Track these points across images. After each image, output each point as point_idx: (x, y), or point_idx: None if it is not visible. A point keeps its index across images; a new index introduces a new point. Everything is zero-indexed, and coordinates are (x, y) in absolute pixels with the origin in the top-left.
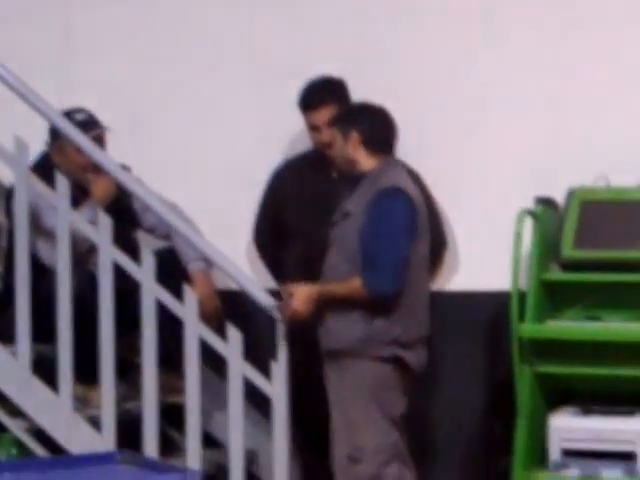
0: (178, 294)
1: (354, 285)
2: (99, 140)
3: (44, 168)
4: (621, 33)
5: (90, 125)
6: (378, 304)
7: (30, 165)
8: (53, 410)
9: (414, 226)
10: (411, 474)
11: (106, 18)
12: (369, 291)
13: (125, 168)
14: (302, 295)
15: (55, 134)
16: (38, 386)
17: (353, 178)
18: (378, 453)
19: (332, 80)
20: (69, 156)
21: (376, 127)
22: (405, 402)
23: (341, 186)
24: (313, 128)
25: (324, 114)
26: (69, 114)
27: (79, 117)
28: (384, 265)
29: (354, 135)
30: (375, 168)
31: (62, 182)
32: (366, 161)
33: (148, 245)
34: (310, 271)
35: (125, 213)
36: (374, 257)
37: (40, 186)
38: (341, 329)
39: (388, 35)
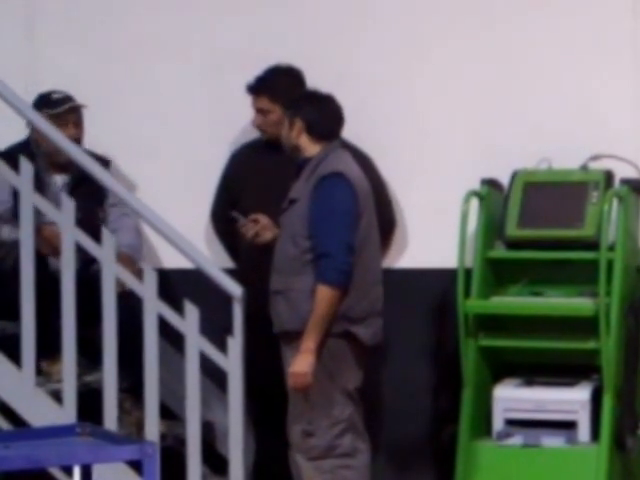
0: None
1: (319, 294)
2: (76, 113)
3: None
4: (567, 20)
5: (66, 100)
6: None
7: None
8: (16, 384)
9: (355, 209)
10: (364, 445)
11: (68, 3)
12: (329, 283)
13: (104, 162)
14: (298, 360)
15: (37, 106)
16: (1, 361)
17: (299, 164)
18: (332, 427)
19: (276, 71)
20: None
21: (320, 115)
22: (360, 376)
23: (294, 171)
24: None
25: (256, 102)
26: (48, 95)
27: (55, 96)
28: (327, 253)
29: (298, 122)
30: (317, 154)
31: (26, 166)
32: (310, 148)
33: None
34: (263, 254)
35: (99, 194)
36: (317, 249)
37: (4, 169)
38: (290, 310)
39: (339, 22)
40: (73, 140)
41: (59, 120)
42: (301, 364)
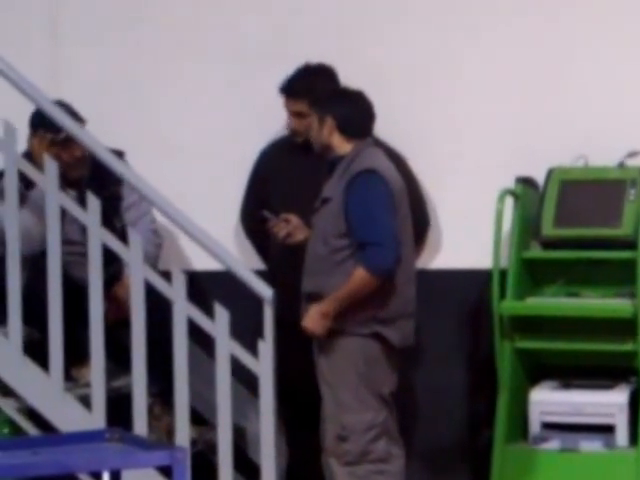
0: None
1: (358, 276)
2: None
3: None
4: (603, 16)
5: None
6: (385, 282)
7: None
8: (44, 390)
9: (391, 204)
10: (399, 451)
11: (91, 4)
12: (374, 270)
13: (119, 153)
14: (313, 316)
15: (34, 124)
16: (29, 366)
17: (331, 163)
18: (366, 431)
19: (313, 72)
20: (44, 147)
21: (351, 112)
22: (394, 379)
23: (325, 169)
24: (289, 113)
25: (294, 105)
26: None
27: None
28: (377, 242)
29: (329, 121)
30: (350, 152)
31: (51, 165)
32: (341, 146)
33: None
34: (294, 254)
35: (113, 200)
36: (364, 239)
37: (29, 170)
38: None
39: (370, 17)
40: (80, 161)
41: (65, 145)
42: (316, 325)
